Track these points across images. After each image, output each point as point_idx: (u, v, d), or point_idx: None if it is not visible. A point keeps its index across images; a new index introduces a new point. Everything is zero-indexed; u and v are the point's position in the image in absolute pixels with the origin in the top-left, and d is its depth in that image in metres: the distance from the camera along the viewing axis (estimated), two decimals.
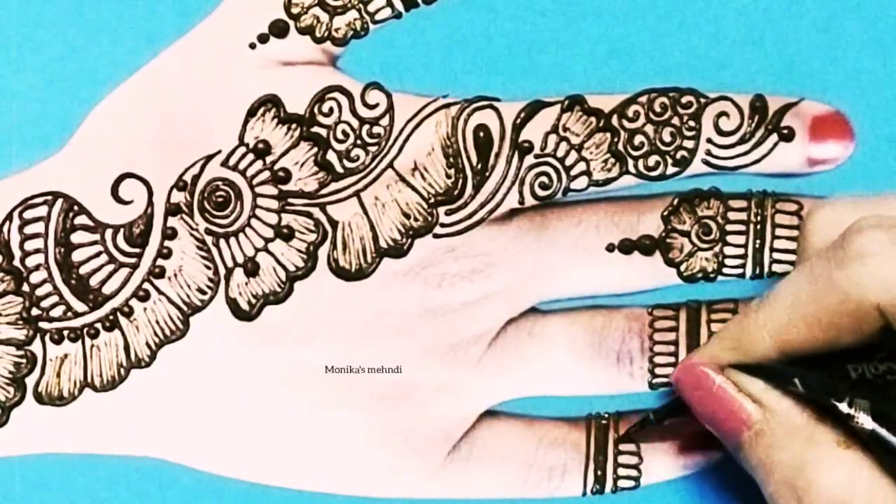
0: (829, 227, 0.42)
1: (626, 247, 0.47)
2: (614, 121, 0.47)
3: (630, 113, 0.47)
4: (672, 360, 0.48)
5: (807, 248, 0.43)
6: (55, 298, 0.46)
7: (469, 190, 0.47)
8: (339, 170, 0.46)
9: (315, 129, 0.46)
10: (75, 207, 0.46)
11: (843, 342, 0.41)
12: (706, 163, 0.47)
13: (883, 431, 0.40)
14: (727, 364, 0.43)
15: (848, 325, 0.40)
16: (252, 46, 0.46)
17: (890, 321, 0.40)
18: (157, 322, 0.46)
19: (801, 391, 0.41)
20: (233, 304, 0.46)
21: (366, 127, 0.46)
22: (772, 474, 0.41)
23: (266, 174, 0.46)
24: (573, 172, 0.47)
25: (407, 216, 0.46)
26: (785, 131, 0.47)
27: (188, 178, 0.46)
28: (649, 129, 0.47)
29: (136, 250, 0.46)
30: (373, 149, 0.46)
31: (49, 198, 0.46)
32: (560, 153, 0.47)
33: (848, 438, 0.41)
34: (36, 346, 0.46)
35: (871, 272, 0.39)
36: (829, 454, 0.41)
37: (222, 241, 0.46)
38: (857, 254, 0.40)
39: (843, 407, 0.41)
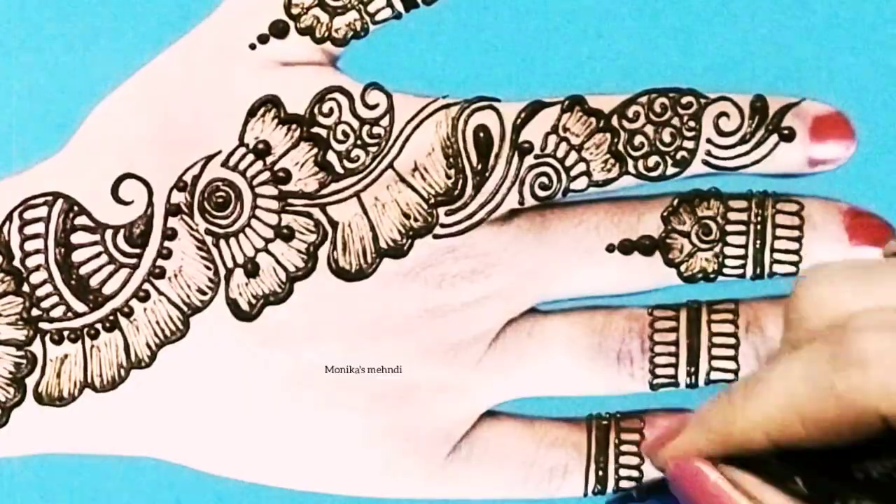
0: (825, 310, 0.39)
1: (626, 247, 0.47)
2: (614, 121, 0.47)
3: (630, 113, 0.47)
4: (672, 360, 0.48)
5: (800, 326, 0.40)
6: (55, 299, 0.46)
7: (469, 190, 0.46)
8: (339, 170, 0.46)
9: (315, 129, 0.46)
10: (75, 208, 0.46)
11: (844, 441, 0.38)
12: (706, 163, 0.47)
13: None
14: (718, 458, 0.40)
15: (848, 428, 0.38)
16: (252, 47, 0.46)
17: (894, 427, 0.38)
18: (158, 322, 0.46)
19: (804, 491, 0.40)
20: (233, 305, 0.46)
21: (366, 127, 0.46)
22: None
23: (266, 174, 0.46)
24: (573, 173, 0.47)
25: (407, 216, 0.46)
26: (785, 131, 0.47)
27: (188, 178, 0.46)
28: (649, 129, 0.47)
29: (136, 251, 0.46)
30: (373, 149, 0.46)
31: (49, 198, 0.46)
32: (560, 153, 0.47)
33: None
34: (36, 347, 0.46)
35: (872, 379, 0.37)
36: None
37: (222, 242, 0.46)
38: (857, 359, 0.37)
39: None
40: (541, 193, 0.47)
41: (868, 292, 0.39)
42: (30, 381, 0.46)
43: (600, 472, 0.48)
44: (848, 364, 0.38)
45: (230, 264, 0.46)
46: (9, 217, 0.46)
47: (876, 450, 0.39)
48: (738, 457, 0.40)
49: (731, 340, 0.48)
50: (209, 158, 0.46)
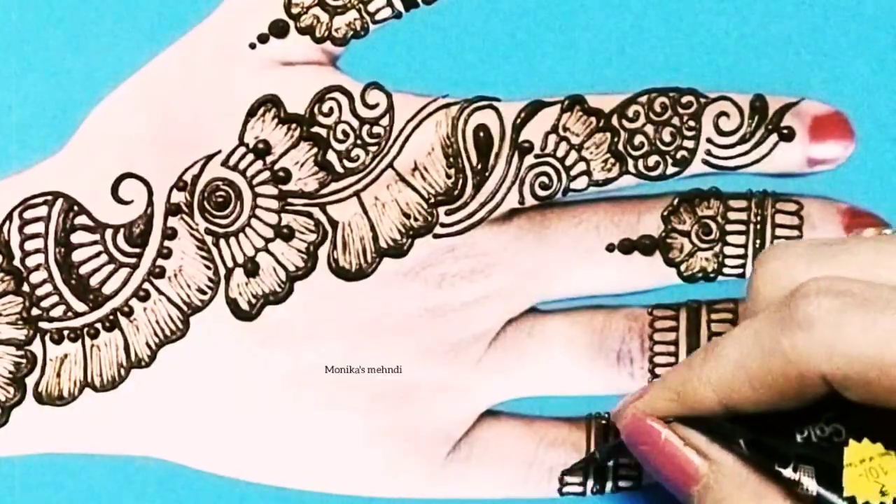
0: (780, 281, 0.41)
1: (626, 247, 0.47)
2: (614, 121, 0.47)
3: (630, 113, 0.47)
4: (672, 360, 0.48)
5: (756, 299, 0.42)
6: (55, 298, 0.46)
7: (469, 190, 0.47)
8: (339, 170, 0.46)
9: (315, 129, 0.46)
10: (75, 207, 0.46)
11: (788, 404, 0.40)
12: (706, 163, 0.47)
13: (828, 496, 0.40)
14: (670, 416, 0.42)
15: (792, 389, 0.40)
16: (252, 46, 0.46)
17: (836, 389, 0.39)
18: (157, 322, 0.46)
19: (746, 453, 0.41)
20: (233, 304, 0.46)
21: (366, 127, 0.46)
22: None
23: (266, 174, 0.46)
24: (573, 172, 0.47)
25: (407, 216, 0.46)
26: (785, 131, 0.47)
27: (188, 178, 0.46)
28: (649, 129, 0.47)
29: (136, 250, 0.46)
30: (373, 149, 0.46)
31: (49, 198, 0.46)
32: (560, 153, 0.47)
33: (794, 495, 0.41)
34: (36, 346, 0.46)
35: (815, 341, 0.39)
36: None
37: (222, 241, 0.46)
38: (802, 321, 0.39)
39: (788, 472, 0.40)
40: (541, 193, 0.47)
41: (818, 265, 0.41)
42: (30, 381, 0.46)
43: (599, 472, 0.48)
44: (794, 325, 0.39)
45: (230, 264, 0.46)
46: (9, 216, 0.46)
47: (818, 415, 0.41)
48: (692, 418, 0.42)
49: None
50: (209, 158, 0.46)
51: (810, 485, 0.40)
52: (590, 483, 0.48)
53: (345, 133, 0.46)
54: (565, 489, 0.48)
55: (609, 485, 0.48)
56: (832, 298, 0.39)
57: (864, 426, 0.40)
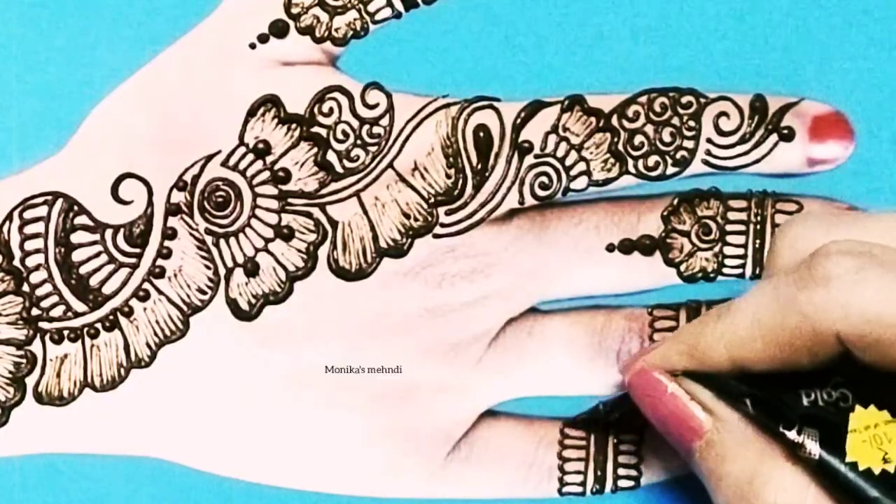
0: (799, 245, 0.42)
1: (626, 247, 0.47)
2: (614, 121, 0.47)
3: (630, 113, 0.47)
4: None
5: (775, 262, 0.42)
6: (55, 298, 0.46)
7: (469, 190, 0.47)
8: (339, 170, 0.46)
9: (315, 129, 0.46)
10: (75, 207, 0.46)
11: (798, 364, 0.40)
12: (706, 163, 0.47)
13: (831, 460, 0.40)
14: (679, 370, 0.43)
15: (805, 348, 0.40)
16: (252, 46, 0.46)
17: (849, 348, 0.39)
18: (157, 322, 0.46)
19: (752, 412, 0.41)
20: (233, 304, 0.46)
21: (366, 127, 0.46)
22: (721, 484, 0.41)
23: (266, 174, 0.46)
24: (573, 172, 0.47)
25: (407, 216, 0.46)
26: (785, 131, 0.47)
27: (188, 178, 0.46)
28: (649, 129, 0.47)
29: (136, 250, 0.46)
30: (373, 149, 0.46)
31: (49, 198, 0.46)
32: (560, 153, 0.47)
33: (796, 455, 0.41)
34: (36, 346, 0.46)
35: (833, 298, 0.39)
36: (778, 468, 0.41)
37: (222, 241, 0.46)
38: (821, 278, 0.39)
39: (792, 435, 0.40)
40: (541, 193, 0.47)
41: (838, 230, 0.41)
42: (30, 381, 0.46)
43: (599, 472, 0.48)
44: (812, 283, 0.39)
45: (230, 264, 0.46)
46: (9, 216, 0.46)
47: (826, 379, 0.41)
48: (701, 374, 0.42)
49: None
50: (209, 158, 0.46)
51: (813, 448, 0.40)
52: (590, 483, 0.48)
53: (345, 133, 0.46)
54: (565, 489, 0.48)
55: (609, 485, 0.48)
56: (852, 258, 0.39)
57: (872, 393, 0.41)
